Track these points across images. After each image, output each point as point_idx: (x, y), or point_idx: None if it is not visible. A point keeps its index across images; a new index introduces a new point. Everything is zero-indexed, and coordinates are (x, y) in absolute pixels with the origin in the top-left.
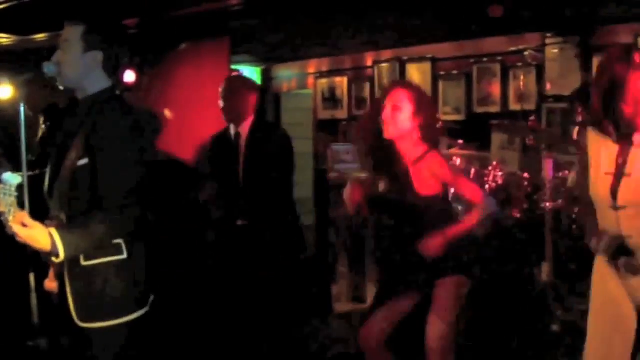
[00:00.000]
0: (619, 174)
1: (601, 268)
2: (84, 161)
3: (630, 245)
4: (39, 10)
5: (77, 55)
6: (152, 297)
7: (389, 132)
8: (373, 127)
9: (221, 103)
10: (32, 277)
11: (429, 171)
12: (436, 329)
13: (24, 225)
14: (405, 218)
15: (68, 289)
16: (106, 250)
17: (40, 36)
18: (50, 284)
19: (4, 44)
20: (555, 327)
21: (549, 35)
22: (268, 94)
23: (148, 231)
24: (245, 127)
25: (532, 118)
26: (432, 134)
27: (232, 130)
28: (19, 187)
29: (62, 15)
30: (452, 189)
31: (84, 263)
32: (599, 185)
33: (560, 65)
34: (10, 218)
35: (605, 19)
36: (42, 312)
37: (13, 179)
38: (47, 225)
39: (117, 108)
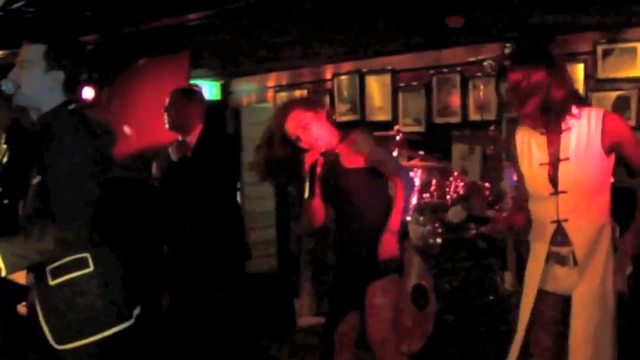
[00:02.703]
0: (556, 160)
1: (533, 256)
2: (37, 179)
3: (566, 229)
4: None
5: (38, 74)
6: (137, 310)
7: (320, 148)
8: (284, 151)
9: (165, 115)
10: None
11: (355, 145)
12: (373, 333)
13: None
14: (342, 196)
15: (40, 313)
16: (71, 265)
17: None
18: (22, 308)
19: None
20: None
21: (507, 45)
22: (228, 108)
23: (118, 243)
24: (193, 137)
25: (492, 128)
26: (332, 119)
27: (177, 144)
28: None
29: (19, 33)
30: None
31: (51, 282)
32: (535, 176)
33: None
34: None
35: (564, 28)
36: (6, 333)
37: None
38: None
39: (69, 122)
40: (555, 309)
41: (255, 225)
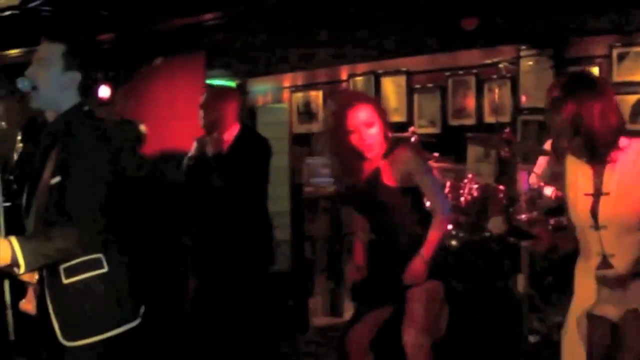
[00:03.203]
0: (597, 193)
1: (579, 274)
2: (56, 179)
3: (613, 264)
4: (13, 25)
5: (56, 73)
6: (142, 309)
7: (372, 152)
8: (346, 143)
9: (200, 114)
10: (7, 293)
11: (400, 164)
12: (412, 338)
13: None
14: (377, 212)
15: (51, 310)
16: (86, 265)
17: (14, 51)
18: (27, 305)
19: None
20: (532, 339)
21: (523, 47)
22: (244, 108)
23: (130, 244)
24: (228, 136)
25: (507, 130)
26: (389, 131)
27: (212, 140)
28: None
29: (37, 31)
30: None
31: (65, 281)
32: (579, 206)
33: (534, 77)
34: None
35: (579, 31)
36: (19, 329)
37: None
38: None
39: (86, 124)
40: (606, 334)
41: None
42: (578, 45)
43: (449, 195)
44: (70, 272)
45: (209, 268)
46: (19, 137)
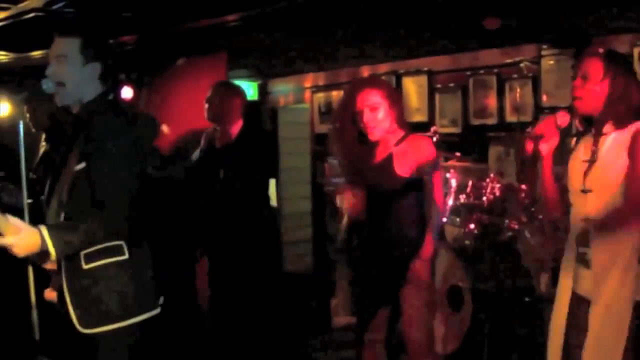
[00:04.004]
0: (592, 160)
1: (567, 257)
2: (81, 165)
3: (590, 228)
4: (37, 27)
5: (77, 68)
6: (161, 300)
7: (374, 135)
8: (353, 131)
9: (205, 106)
10: (32, 293)
11: (414, 149)
12: (412, 336)
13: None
14: (382, 203)
15: (67, 296)
16: (107, 251)
17: (37, 53)
18: (51, 294)
19: (2, 61)
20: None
21: (544, 46)
22: (265, 108)
23: (150, 233)
24: (233, 132)
25: (529, 130)
26: (404, 119)
27: (219, 134)
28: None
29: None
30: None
31: (85, 267)
32: (576, 171)
33: (556, 77)
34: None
35: (600, 30)
36: (44, 328)
37: None
38: None
39: (110, 110)
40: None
41: (291, 225)
42: (599, 44)
43: (471, 195)
44: (90, 257)
45: (217, 264)
46: (43, 138)
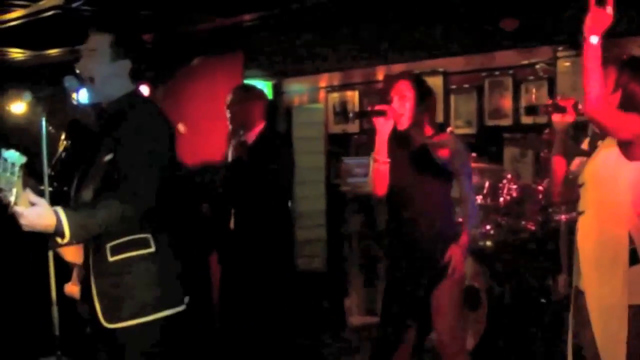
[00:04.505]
0: (590, 155)
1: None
2: (109, 156)
3: (580, 222)
4: (53, 26)
5: (105, 63)
6: (187, 298)
7: (401, 123)
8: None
9: (227, 112)
10: (53, 290)
11: (445, 145)
12: (443, 333)
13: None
14: (411, 193)
15: (93, 289)
16: (133, 244)
17: (54, 51)
18: (72, 288)
19: (19, 59)
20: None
21: (560, 48)
22: (279, 108)
23: (175, 230)
24: (252, 135)
25: (547, 131)
26: (435, 117)
27: (241, 137)
28: (22, 168)
29: (78, 31)
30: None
31: (111, 259)
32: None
33: (571, 78)
34: (13, 199)
35: (616, 32)
36: (64, 325)
37: (16, 157)
38: None
39: (145, 106)
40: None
41: (305, 224)
42: (617, 46)
43: (488, 195)
44: (116, 250)
45: (231, 265)
46: (63, 137)
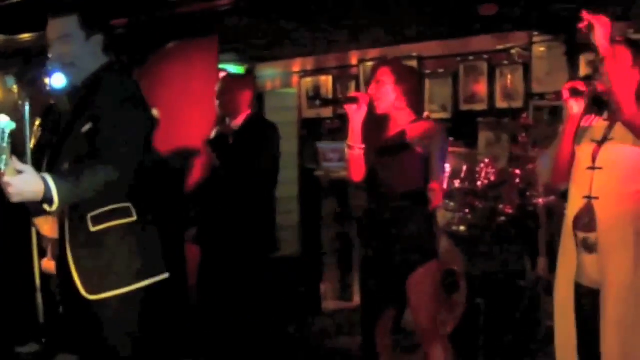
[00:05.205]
0: (604, 139)
1: (564, 244)
2: (87, 126)
3: (595, 208)
4: (26, 10)
5: (81, 44)
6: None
7: (378, 108)
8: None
9: (216, 100)
10: (37, 276)
11: (423, 131)
12: (419, 319)
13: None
14: (388, 176)
15: (71, 261)
16: (114, 213)
17: (26, 36)
18: (48, 264)
19: None
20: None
21: (535, 33)
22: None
23: (156, 203)
24: (238, 122)
25: (525, 115)
26: (417, 102)
27: (227, 124)
28: (10, 135)
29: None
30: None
31: (92, 229)
32: (582, 150)
33: (547, 63)
34: (2, 166)
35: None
36: (48, 312)
37: (5, 124)
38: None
39: (122, 76)
40: (594, 305)
41: (279, 209)
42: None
43: (465, 179)
44: (97, 220)
45: (212, 252)
46: (37, 124)
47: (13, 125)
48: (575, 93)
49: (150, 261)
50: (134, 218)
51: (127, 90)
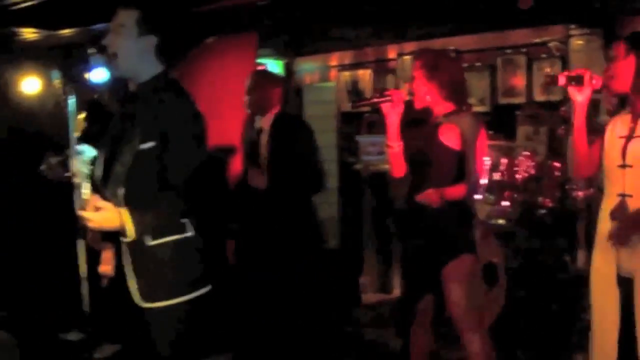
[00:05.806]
0: (630, 136)
1: (599, 237)
2: (148, 144)
3: (629, 205)
4: (66, 5)
5: (131, 39)
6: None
7: (416, 103)
8: None
9: (246, 97)
10: (83, 266)
11: (461, 123)
12: (453, 310)
13: (96, 208)
14: (423, 172)
15: (131, 270)
16: (172, 229)
17: (66, 31)
18: (105, 268)
19: (31, 39)
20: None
21: (573, 26)
22: (291, 87)
23: (206, 213)
24: (268, 119)
25: (564, 108)
26: (455, 92)
27: (256, 123)
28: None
29: (89, 12)
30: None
31: (150, 243)
32: (613, 147)
33: (584, 57)
34: (85, 197)
35: (629, 10)
36: (93, 301)
37: (88, 150)
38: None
39: (177, 92)
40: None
41: (318, 202)
42: (628, 24)
43: (505, 173)
44: (156, 234)
45: (254, 251)
46: (82, 117)
47: (94, 152)
48: (573, 81)
49: (198, 275)
50: (190, 234)
51: (189, 110)
